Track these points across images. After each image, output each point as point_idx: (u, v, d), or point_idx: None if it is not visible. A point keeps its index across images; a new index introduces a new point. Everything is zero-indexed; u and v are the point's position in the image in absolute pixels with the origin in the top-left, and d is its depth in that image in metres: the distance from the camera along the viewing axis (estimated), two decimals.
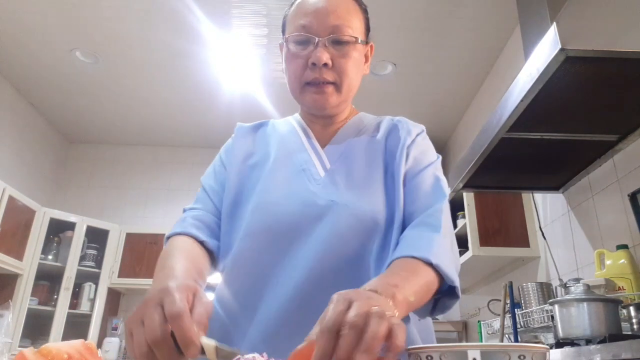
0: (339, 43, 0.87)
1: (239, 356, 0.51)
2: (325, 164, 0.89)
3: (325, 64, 0.86)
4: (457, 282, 0.75)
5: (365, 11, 0.95)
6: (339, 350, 0.48)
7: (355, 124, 0.97)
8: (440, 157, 0.95)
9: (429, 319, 0.86)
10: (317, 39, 0.86)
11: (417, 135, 0.94)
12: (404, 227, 0.83)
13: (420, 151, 0.92)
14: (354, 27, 0.89)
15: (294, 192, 0.84)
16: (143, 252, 4.00)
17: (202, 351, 0.51)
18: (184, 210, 0.92)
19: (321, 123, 0.96)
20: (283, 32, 0.95)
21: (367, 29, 0.95)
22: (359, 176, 0.86)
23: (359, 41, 0.89)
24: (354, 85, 0.92)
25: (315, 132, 0.95)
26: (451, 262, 0.75)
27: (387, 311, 0.52)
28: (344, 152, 0.90)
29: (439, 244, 0.76)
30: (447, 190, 0.88)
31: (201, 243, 0.85)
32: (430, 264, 0.71)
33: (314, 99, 0.89)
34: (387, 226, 0.82)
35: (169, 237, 0.86)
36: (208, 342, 0.51)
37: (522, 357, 0.46)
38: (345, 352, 0.47)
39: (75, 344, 0.46)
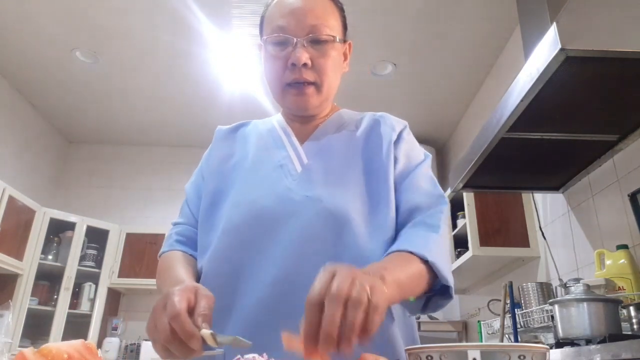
0: (317, 42, 0.87)
1: (239, 356, 0.51)
2: (303, 159, 0.89)
3: (305, 64, 0.86)
4: (451, 282, 0.76)
5: (341, 9, 0.95)
6: (323, 323, 0.50)
7: (335, 120, 0.97)
8: (430, 156, 0.96)
9: (412, 320, 0.87)
10: (295, 39, 0.86)
11: (402, 131, 0.95)
12: (398, 225, 0.84)
13: (408, 148, 0.93)
14: (332, 26, 0.89)
15: (271, 188, 0.85)
16: (143, 252, 4.00)
17: (205, 341, 0.57)
18: (173, 225, 0.97)
19: (301, 120, 0.96)
20: (260, 33, 0.95)
21: (345, 28, 0.95)
22: (336, 171, 0.87)
23: (337, 40, 0.90)
24: (334, 84, 0.92)
25: (295, 129, 0.95)
26: (446, 262, 0.77)
27: (370, 283, 0.54)
28: (322, 147, 0.91)
29: (437, 243, 0.77)
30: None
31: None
32: (425, 261, 0.73)
33: (294, 100, 0.89)
34: (368, 222, 0.83)
35: (160, 256, 0.91)
36: (205, 332, 0.57)
37: (522, 357, 0.46)
38: (328, 325, 0.50)
39: (76, 344, 0.47)
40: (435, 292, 0.78)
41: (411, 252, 0.73)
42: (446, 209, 0.86)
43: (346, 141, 0.92)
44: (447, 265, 0.76)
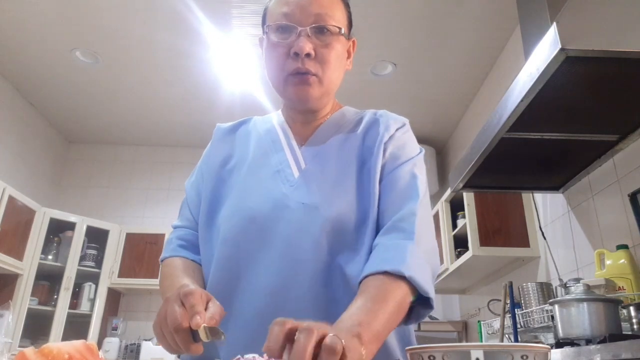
0: (321, 33, 0.84)
1: (239, 356, 0.51)
2: (301, 164, 0.87)
3: (308, 54, 0.83)
4: (431, 294, 0.72)
5: (347, 4, 0.92)
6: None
7: (336, 119, 0.94)
8: (423, 151, 0.91)
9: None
10: (299, 28, 0.83)
11: (397, 130, 0.91)
12: (377, 227, 0.81)
13: (397, 146, 0.88)
14: (337, 18, 0.86)
15: (267, 195, 0.83)
16: (143, 252, 4.00)
17: (199, 337, 0.60)
18: (173, 228, 0.96)
19: (302, 120, 0.93)
20: (263, 23, 0.91)
21: (350, 24, 0.93)
22: (333, 176, 0.84)
23: (342, 32, 0.87)
24: (336, 77, 0.89)
25: (296, 130, 0.93)
26: (425, 272, 0.73)
27: (346, 343, 0.50)
28: (320, 150, 0.88)
29: (413, 253, 0.73)
30: (423, 189, 0.84)
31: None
32: (403, 277, 0.69)
33: (296, 90, 0.86)
34: (359, 226, 0.81)
35: (162, 261, 0.90)
36: (201, 331, 0.60)
37: (524, 357, 0.46)
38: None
39: (77, 344, 0.47)
40: (417, 301, 0.74)
41: (387, 272, 0.69)
42: (419, 207, 0.80)
43: (344, 142, 0.89)
44: (425, 275, 0.72)
